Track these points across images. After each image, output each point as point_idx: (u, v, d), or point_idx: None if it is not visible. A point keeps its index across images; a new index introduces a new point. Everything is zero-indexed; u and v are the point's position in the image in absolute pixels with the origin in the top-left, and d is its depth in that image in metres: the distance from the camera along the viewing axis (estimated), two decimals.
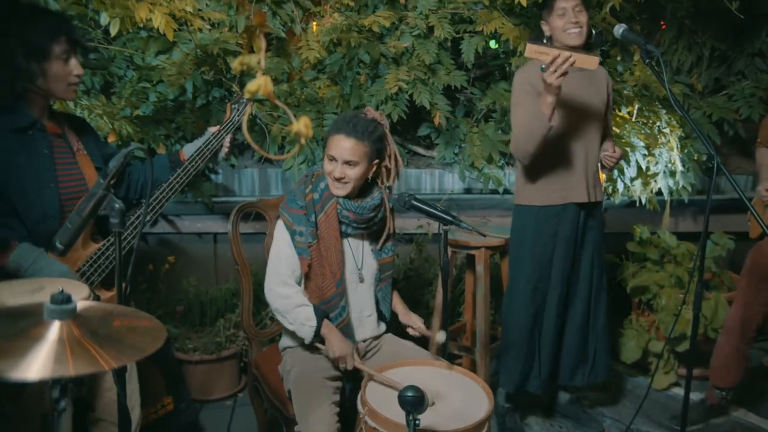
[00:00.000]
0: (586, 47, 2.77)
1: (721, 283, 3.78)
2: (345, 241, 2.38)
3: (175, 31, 2.69)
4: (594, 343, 3.01)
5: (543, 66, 2.46)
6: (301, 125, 1.11)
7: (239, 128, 2.79)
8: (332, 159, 2.27)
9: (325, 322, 2.27)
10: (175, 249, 3.62)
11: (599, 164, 2.90)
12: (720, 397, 3.24)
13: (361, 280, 2.42)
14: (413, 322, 2.47)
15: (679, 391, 3.55)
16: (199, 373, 3.25)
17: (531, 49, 2.48)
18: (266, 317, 3.30)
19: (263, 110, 3.26)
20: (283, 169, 3.55)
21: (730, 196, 4.13)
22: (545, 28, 2.76)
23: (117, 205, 1.60)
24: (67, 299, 1.23)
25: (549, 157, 2.74)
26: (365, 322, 2.45)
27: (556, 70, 2.44)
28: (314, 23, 3.49)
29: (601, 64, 3.73)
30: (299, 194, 2.33)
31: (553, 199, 2.80)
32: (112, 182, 1.63)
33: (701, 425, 3.26)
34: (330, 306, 2.32)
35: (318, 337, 2.26)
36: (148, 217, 2.42)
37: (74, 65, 2.19)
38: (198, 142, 2.68)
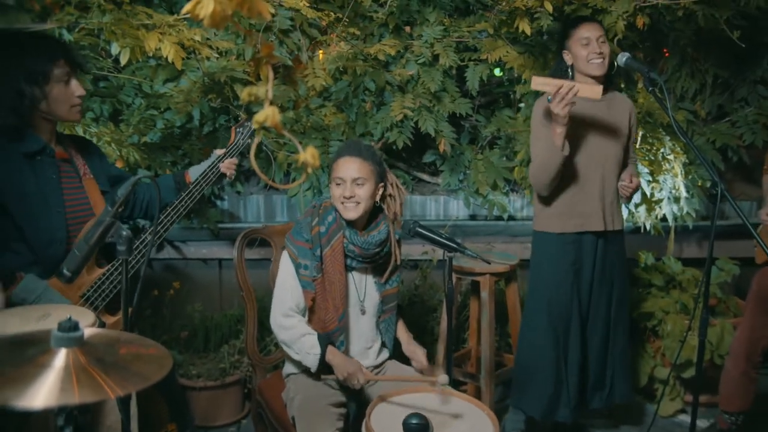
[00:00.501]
0: (608, 78, 2.82)
1: (726, 309, 3.76)
2: (349, 274, 2.39)
3: (183, 59, 2.73)
4: (612, 368, 3.01)
5: (549, 97, 2.51)
6: (308, 155, 1.12)
7: (244, 153, 2.82)
8: (340, 182, 2.28)
9: (330, 348, 2.27)
10: (180, 275, 3.63)
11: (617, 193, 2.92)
12: (730, 422, 3.22)
13: (363, 312, 2.43)
14: (417, 356, 2.40)
15: (686, 418, 3.52)
16: (203, 399, 3.24)
17: (536, 82, 2.54)
18: (270, 343, 3.30)
19: (269, 137, 3.29)
20: (288, 195, 3.57)
21: (735, 221, 4.12)
22: (567, 57, 2.79)
23: (125, 233, 1.62)
24: (75, 327, 1.24)
25: (565, 185, 2.78)
26: (367, 353, 2.45)
27: (561, 101, 2.49)
28: (321, 51, 3.52)
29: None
30: (305, 227, 2.32)
31: (569, 227, 2.83)
32: (119, 210, 1.65)
33: None
34: (332, 339, 2.33)
35: (323, 364, 2.25)
36: (155, 241, 2.43)
37: (75, 86, 2.21)
38: (204, 165, 2.70)
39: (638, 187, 2.87)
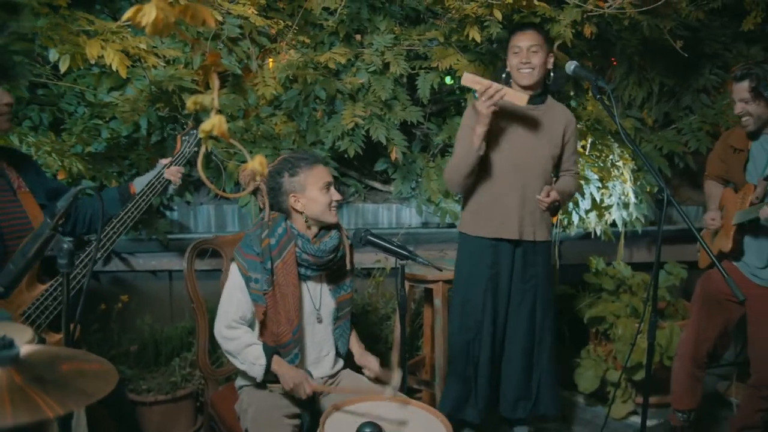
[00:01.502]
0: (543, 89, 2.86)
1: (675, 312, 3.84)
2: (303, 284, 2.38)
3: (128, 67, 2.68)
4: (537, 379, 3.01)
5: (476, 94, 2.56)
6: (256, 163, 1.11)
7: (192, 162, 2.78)
8: (328, 186, 2.32)
9: (275, 358, 2.27)
10: (128, 287, 3.56)
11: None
12: (682, 419, 3.30)
13: (319, 321, 2.43)
14: (369, 362, 2.46)
15: (638, 420, 3.57)
16: (154, 414, 3.17)
17: (467, 78, 2.60)
18: (222, 355, 3.15)
19: (219, 146, 3.25)
20: (239, 205, 3.54)
21: (682, 226, 4.22)
22: (507, 64, 2.84)
23: (65, 245, 1.58)
24: (9, 344, 1.20)
25: (484, 189, 2.82)
26: (323, 361, 2.46)
27: (487, 100, 2.55)
28: (270, 60, 3.50)
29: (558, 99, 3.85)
30: (255, 239, 2.30)
31: (485, 231, 2.85)
32: (60, 222, 1.61)
33: None
34: (284, 352, 2.31)
35: (269, 374, 2.26)
36: (98, 255, 2.38)
37: (1, 94, 2.15)
38: (149, 176, 2.66)
39: (556, 202, 2.85)
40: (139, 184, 2.64)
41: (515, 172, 2.81)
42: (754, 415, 3.09)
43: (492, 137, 2.75)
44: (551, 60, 2.83)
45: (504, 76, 2.85)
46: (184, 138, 2.79)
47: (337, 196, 2.34)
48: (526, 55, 2.74)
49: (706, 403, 3.44)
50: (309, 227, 2.35)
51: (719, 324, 3.12)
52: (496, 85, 2.56)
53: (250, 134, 3.43)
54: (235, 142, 1.16)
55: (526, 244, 2.88)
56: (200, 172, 1.15)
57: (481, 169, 2.80)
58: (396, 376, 2.22)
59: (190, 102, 1.10)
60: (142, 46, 2.77)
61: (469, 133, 2.72)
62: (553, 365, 3.03)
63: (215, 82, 1.17)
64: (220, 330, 2.30)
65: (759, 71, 2.76)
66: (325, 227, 2.39)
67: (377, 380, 2.42)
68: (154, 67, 3.01)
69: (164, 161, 2.72)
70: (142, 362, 3.35)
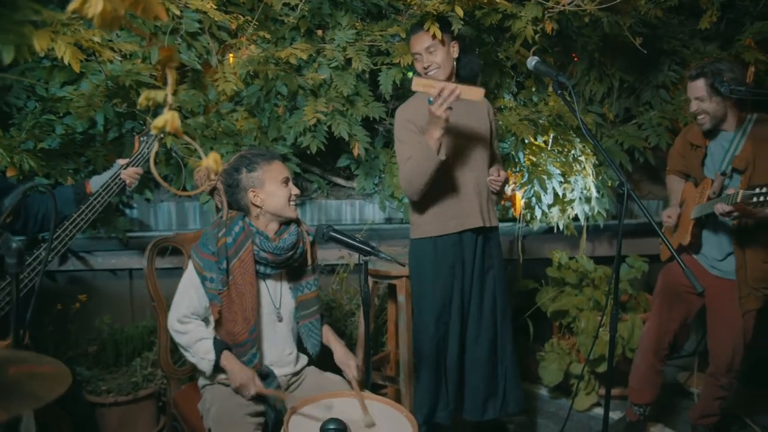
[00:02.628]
0: (460, 79, 2.84)
1: (637, 305, 3.90)
2: (262, 282, 2.37)
3: (82, 61, 2.61)
4: (504, 375, 3.01)
5: (430, 99, 2.52)
6: (211, 160, 1.10)
7: (149, 160, 2.74)
8: (286, 181, 2.34)
9: (225, 353, 2.27)
10: (87, 287, 3.50)
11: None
12: (639, 413, 3.36)
13: (280, 320, 2.42)
14: (348, 367, 2.40)
15: (601, 411, 3.60)
16: (113, 415, 3.12)
17: (418, 83, 2.54)
18: None
19: (179, 143, 3.20)
20: (200, 202, 3.50)
21: (644, 220, 4.30)
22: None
23: (14, 245, 1.54)
24: None
25: (441, 187, 2.78)
26: (285, 360, 2.45)
27: (442, 103, 2.50)
28: (231, 55, 3.46)
29: (515, 95, 3.89)
30: (211, 238, 2.29)
31: (449, 228, 2.83)
32: (7, 220, 1.57)
33: None
34: (241, 351, 2.31)
35: (218, 369, 2.27)
36: (50, 257, 2.33)
37: None
38: (106, 175, 2.61)
39: (507, 181, 2.91)
40: (95, 183, 2.59)
41: (466, 164, 2.83)
42: (713, 403, 3.17)
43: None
44: (455, 48, 2.81)
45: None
46: (142, 139, 2.75)
47: (295, 191, 2.35)
48: (427, 57, 2.76)
49: (666, 394, 3.52)
50: (268, 224, 2.34)
51: (680, 316, 3.18)
52: (449, 86, 2.51)
53: (210, 130, 3.38)
54: (190, 138, 1.14)
55: (486, 231, 2.90)
56: (153, 170, 1.13)
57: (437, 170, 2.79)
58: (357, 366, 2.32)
59: (142, 97, 1.09)
60: (96, 39, 2.70)
61: (415, 140, 2.71)
62: (516, 357, 3.05)
63: (170, 78, 1.14)
64: (172, 323, 2.31)
65: (713, 69, 2.81)
66: (285, 223, 2.38)
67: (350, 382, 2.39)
68: (110, 61, 2.95)
69: (122, 162, 2.67)
70: (101, 363, 3.29)
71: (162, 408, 3.30)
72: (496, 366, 2.99)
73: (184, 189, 3.28)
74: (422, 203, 2.83)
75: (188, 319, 2.29)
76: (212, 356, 2.24)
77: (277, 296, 2.42)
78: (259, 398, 2.27)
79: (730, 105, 2.86)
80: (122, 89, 3.10)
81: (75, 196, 2.57)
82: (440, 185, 2.76)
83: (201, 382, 2.43)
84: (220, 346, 2.26)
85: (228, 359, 2.26)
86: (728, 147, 2.90)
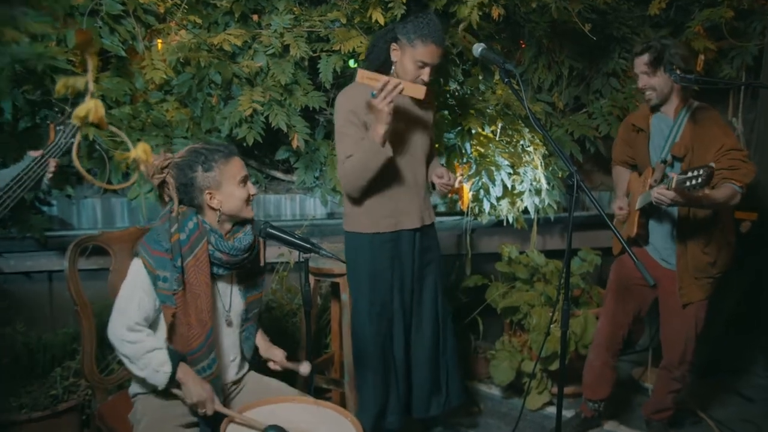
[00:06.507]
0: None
1: (590, 299, 3.97)
2: (214, 284, 2.33)
3: None
4: (446, 369, 3.07)
5: (373, 92, 2.56)
6: (140, 151, 1.10)
7: (68, 152, 2.68)
8: (245, 180, 2.30)
9: (182, 365, 2.18)
10: None
11: (432, 188, 3.02)
12: (593, 409, 3.45)
13: (229, 324, 2.39)
14: (274, 355, 2.46)
15: (554, 410, 3.65)
16: None
17: (362, 75, 2.60)
18: (113, 361, 3.15)
19: (103, 135, 3.16)
20: (128, 198, 3.43)
21: (595, 212, 4.37)
22: (394, 53, 2.80)
23: None
24: None
25: (380, 187, 2.82)
26: (229, 366, 2.43)
27: (385, 96, 2.56)
28: (159, 41, 3.43)
29: (461, 83, 3.94)
30: (163, 234, 2.21)
31: (383, 227, 2.87)
32: None
33: None
34: (196, 357, 2.24)
35: (173, 383, 2.17)
36: None
37: None
38: (16, 169, 2.53)
39: (455, 183, 2.97)
40: (3, 177, 2.51)
41: (404, 159, 2.87)
42: (666, 396, 3.28)
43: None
44: (395, 53, 2.82)
45: (392, 68, 2.84)
46: (58, 128, 2.65)
47: (253, 191, 2.30)
48: (428, 75, 2.78)
49: (620, 390, 3.58)
50: (222, 223, 2.30)
51: (633, 309, 3.28)
52: (393, 80, 2.57)
53: (138, 121, 3.34)
54: (115, 129, 1.15)
55: (423, 228, 2.96)
56: (76, 163, 1.13)
57: None
58: (305, 365, 2.31)
59: (60, 85, 1.08)
60: None
61: (357, 133, 2.74)
62: (457, 351, 3.10)
63: (90, 64, 1.14)
64: (118, 332, 2.17)
65: (657, 44, 2.94)
66: (239, 223, 2.36)
67: (285, 371, 2.42)
68: (16, 42, 2.86)
69: (33, 153, 2.60)
70: (13, 376, 3.19)
71: (86, 422, 3.21)
72: (438, 362, 3.04)
73: (110, 184, 3.23)
74: (357, 198, 2.86)
75: (139, 327, 2.18)
76: (168, 368, 2.14)
77: (227, 299, 2.38)
78: (191, 411, 2.24)
79: (676, 87, 2.98)
80: (33, 74, 3.00)
81: None
82: (380, 183, 2.79)
83: (132, 390, 2.37)
84: (176, 357, 2.17)
85: (185, 372, 2.18)
86: (668, 134, 3.01)
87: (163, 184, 2.25)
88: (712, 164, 2.57)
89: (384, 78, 2.57)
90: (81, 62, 3.03)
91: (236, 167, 2.28)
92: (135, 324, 2.16)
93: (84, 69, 2.82)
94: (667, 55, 2.90)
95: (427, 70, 2.74)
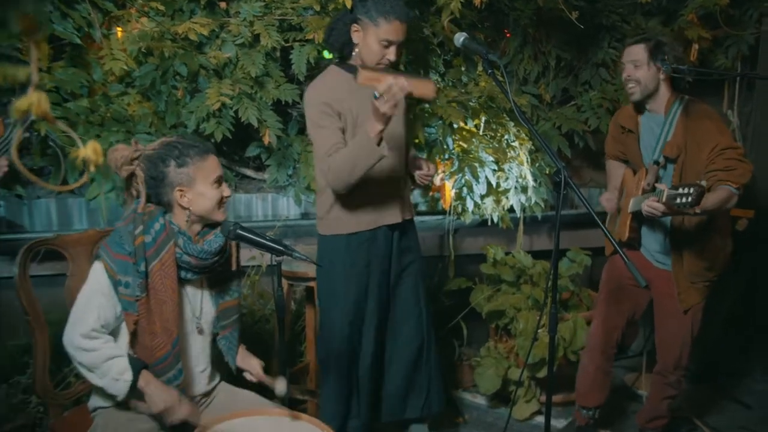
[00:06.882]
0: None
1: (579, 302, 3.91)
2: (182, 289, 2.26)
3: None
4: (428, 372, 3.02)
5: (376, 94, 2.45)
6: (89, 150, 0.99)
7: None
8: (219, 181, 2.23)
9: (144, 373, 2.10)
10: None
11: (411, 180, 2.96)
12: (588, 417, 3.37)
13: (200, 332, 2.33)
14: (251, 366, 2.41)
15: (543, 420, 3.62)
16: None
17: (365, 77, 2.47)
18: (70, 374, 3.00)
19: (57, 130, 3.02)
20: (87, 198, 3.32)
21: (584, 210, 4.29)
22: (356, 35, 2.69)
23: None
24: None
25: (361, 183, 2.71)
26: (198, 378, 2.35)
27: (389, 100, 2.42)
28: (118, 29, 3.33)
29: (442, 75, 3.85)
30: (126, 236, 2.13)
31: (363, 225, 2.80)
32: None
33: None
34: (161, 368, 2.17)
35: (135, 392, 2.09)
36: None
37: None
38: None
39: (435, 171, 2.93)
40: None
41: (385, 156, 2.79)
42: (661, 403, 3.23)
43: (358, 126, 2.71)
44: (356, 34, 2.73)
45: (354, 53, 2.73)
46: (7, 121, 2.56)
47: (227, 192, 2.26)
48: (395, 53, 2.68)
49: (614, 397, 3.52)
50: (191, 224, 2.23)
51: (627, 311, 3.22)
52: (399, 81, 2.43)
53: (97, 116, 3.24)
54: (66, 126, 1.06)
55: (402, 224, 2.90)
56: (15, 161, 1.02)
57: None
58: (281, 382, 2.25)
59: None
60: None
61: (334, 124, 2.66)
62: (439, 356, 3.07)
63: (34, 52, 1.06)
64: (75, 340, 2.07)
65: (655, 37, 2.90)
66: (209, 225, 2.28)
67: (260, 385, 2.37)
68: None
69: None
70: None
71: None
72: (420, 366, 3.00)
73: (65, 183, 3.08)
74: (334, 197, 2.78)
75: (97, 334, 2.09)
76: (129, 376, 2.06)
77: (197, 305, 2.31)
78: (162, 422, 2.15)
79: (665, 81, 2.92)
80: None
81: None
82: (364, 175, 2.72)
83: (92, 404, 2.27)
84: (137, 365, 2.09)
85: (147, 380, 2.10)
86: (659, 133, 2.95)
87: (131, 177, 2.18)
88: (703, 183, 2.52)
89: (389, 79, 2.43)
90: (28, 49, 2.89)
91: (212, 166, 2.22)
92: (91, 331, 2.08)
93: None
94: (662, 50, 2.85)
95: (392, 49, 2.65)
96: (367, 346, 2.88)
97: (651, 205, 2.67)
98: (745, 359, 4.33)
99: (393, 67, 2.69)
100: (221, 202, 2.24)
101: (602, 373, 3.28)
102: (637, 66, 2.88)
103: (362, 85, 2.49)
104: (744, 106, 4.50)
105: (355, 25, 2.67)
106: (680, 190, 2.52)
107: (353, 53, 2.73)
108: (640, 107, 3.02)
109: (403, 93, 2.44)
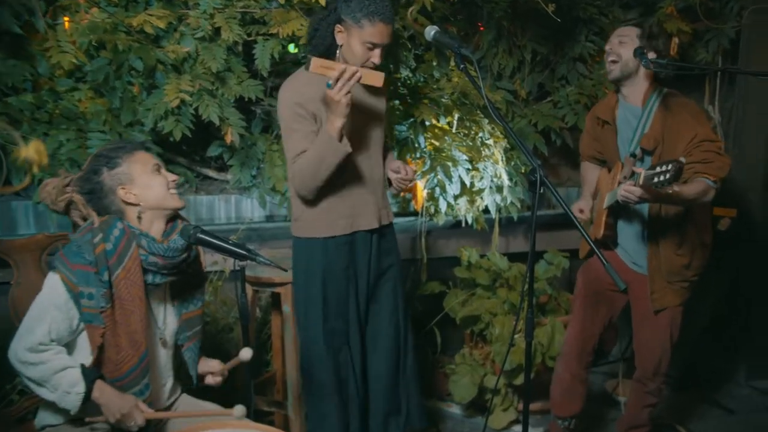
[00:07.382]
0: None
1: (557, 306, 3.90)
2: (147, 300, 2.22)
3: None
4: (406, 386, 2.95)
5: (329, 83, 2.45)
6: (31, 151, 0.86)
7: None
8: (158, 168, 2.23)
9: (98, 384, 2.05)
10: None
11: (388, 184, 2.92)
12: (563, 427, 3.34)
13: (164, 344, 2.31)
14: (211, 367, 2.41)
15: (521, 429, 3.60)
16: None
17: (316, 64, 2.47)
18: (13, 391, 2.90)
19: None
20: (34, 201, 3.20)
21: (562, 211, 4.25)
22: (339, 36, 2.64)
23: None
24: None
25: (335, 186, 2.69)
26: (160, 392, 2.33)
27: (342, 86, 2.44)
28: (66, 19, 3.22)
29: (413, 70, 3.76)
30: (85, 245, 2.07)
31: (338, 229, 2.73)
32: None
33: None
34: (127, 383, 2.13)
35: (88, 404, 2.04)
36: None
37: None
38: None
39: (414, 177, 2.90)
40: None
41: (360, 154, 2.75)
42: (642, 411, 3.21)
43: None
44: (340, 35, 2.68)
45: (337, 52, 2.68)
46: None
47: (171, 177, 2.24)
48: (379, 56, 2.64)
49: (592, 404, 3.52)
50: (152, 224, 2.21)
51: (603, 316, 3.20)
52: (350, 68, 2.44)
53: (43, 113, 3.15)
54: (2, 121, 0.91)
55: (381, 229, 2.85)
56: None
57: None
58: (246, 351, 2.22)
59: None
60: None
61: (308, 127, 2.61)
62: (417, 367, 3.00)
63: None
64: (19, 353, 2.01)
65: (651, 27, 2.89)
66: (171, 222, 2.26)
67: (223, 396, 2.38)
68: None
69: None
70: None
71: None
72: (397, 380, 2.93)
73: (8, 184, 2.96)
74: (307, 200, 2.72)
75: (45, 347, 2.03)
76: (81, 388, 2.01)
77: (160, 315, 2.29)
78: None
79: (645, 72, 2.90)
80: None
81: None
82: (334, 182, 2.67)
83: (39, 421, 2.19)
84: (90, 375, 2.04)
85: (101, 390, 2.05)
86: (636, 125, 2.92)
87: (69, 205, 2.16)
88: (683, 159, 2.46)
89: (340, 66, 2.44)
90: None
91: (144, 157, 2.22)
92: (38, 345, 2.03)
93: None
94: (652, 42, 2.82)
95: (377, 52, 2.60)
96: (355, 358, 2.81)
97: (627, 189, 2.63)
98: (728, 360, 4.34)
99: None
100: (169, 187, 2.21)
101: (578, 382, 3.25)
102: (623, 43, 2.86)
103: (313, 73, 2.47)
104: (725, 102, 4.49)
105: (339, 25, 2.63)
106: (657, 169, 2.46)
107: (336, 54, 2.68)
108: (617, 82, 2.96)
109: (354, 80, 2.45)
